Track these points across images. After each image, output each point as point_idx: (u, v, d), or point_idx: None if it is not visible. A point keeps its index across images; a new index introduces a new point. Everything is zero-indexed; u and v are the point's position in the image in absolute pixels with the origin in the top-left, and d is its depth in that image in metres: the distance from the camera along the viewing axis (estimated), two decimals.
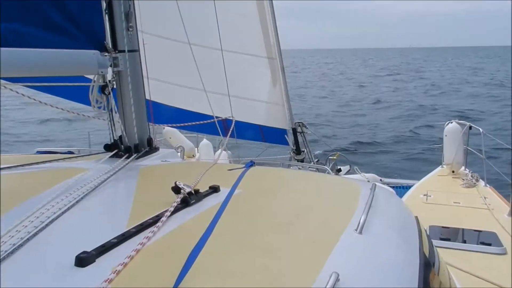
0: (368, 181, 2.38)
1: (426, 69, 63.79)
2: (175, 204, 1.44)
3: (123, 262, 1.05)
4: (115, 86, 2.41)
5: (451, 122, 6.05)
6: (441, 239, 3.68)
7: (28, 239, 1.20)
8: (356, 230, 1.37)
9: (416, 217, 1.94)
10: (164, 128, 6.37)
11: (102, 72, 2.27)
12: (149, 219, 1.33)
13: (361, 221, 1.42)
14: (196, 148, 7.34)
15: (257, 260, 1.14)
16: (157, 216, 1.36)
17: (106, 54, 2.28)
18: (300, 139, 6.50)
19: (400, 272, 1.33)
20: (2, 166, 2.01)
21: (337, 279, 1.03)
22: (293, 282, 1.05)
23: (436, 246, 1.95)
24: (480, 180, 5.56)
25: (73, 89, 3.85)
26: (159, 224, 1.29)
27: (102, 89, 2.34)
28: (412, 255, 1.48)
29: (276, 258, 1.17)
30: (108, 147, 2.44)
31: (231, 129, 3.53)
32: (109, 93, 2.35)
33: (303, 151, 6.54)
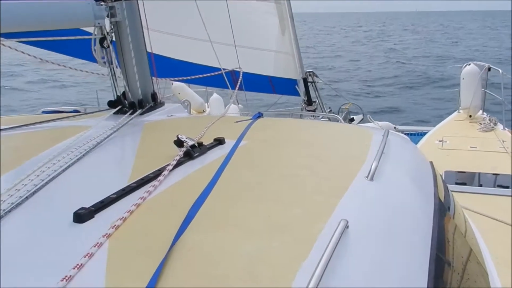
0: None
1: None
2: (178, 157, 1.39)
3: (123, 217, 1.02)
4: (114, 39, 2.31)
5: (469, 64, 5.80)
6: (457, 183, 3.62)
7: (27, 198, 1.17)
8: (367, 177, 1.31)
9: (431, 162, 1.87)
10: (172, 83, 6.26)
11: (99, 23, 2.17)
12: (151, 174, 1.29)
13: (372, 167, 1.36)
14: (206, 104, 7.25)
15: (262, 210, 1.10)
16: (159, 170, 1.32)
17: (102, 3, 2.17)
18: (311, 89, 6.35)
19: (414, 217, 1.28)
20: (7, 127, 1.98)
21: (346, 226, 0.98)
22: (299, 231, 1.00)
23: (451, 191, 1.89)
24: (498, 123, 5.40)
25: (71, 44, 3.75)
26: (160, 178, 1.24)
27: (101, 42, 2.24)
28: (427, 200, 1.42)
29: (282, 208, 1.12)
30: (111, 104, 2.39)
31: (239, 81, 3.42)
32: (108, 46, 2.26)
33: (315, 102, 6.41)
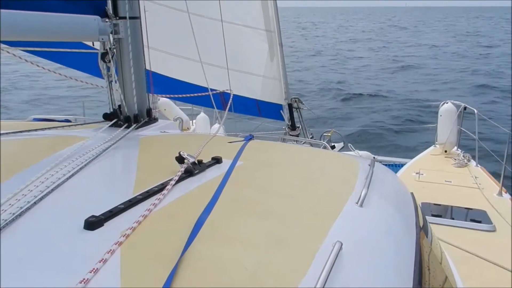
0: None
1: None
2: (180, 173, 1.45)
3: (132, 227, 1.07)
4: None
5: (447, 103, 6.08)
6: (433, 215, 3.76)
7: (35, 203, 1.21)
8: (357, 203, 1.40)
9: (412, 193, 1.98)
10: (159, 99, 6.31)
11: (102, 39, 2.24)
12: (155, 187, 1.35)
13: (362, 195, 1.45)
14: (191, 121, 7.31)
15: (263, 228, 1.17)
16: (162, 184, 1.37)
17: (107, 20, 2.24)
18: (295, 115, 6.49)
19: (400, 243, 1.37)
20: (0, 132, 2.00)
21: (341, 248, 1.06)
22: (297, 249, 1.08)
23: (428, 222, 2.00)
24: (472, 160, 5.65)
25: (72, 56, 3.79)
26: (164, 192, 1.30)
27: (102, 57, 2.31)
28: (410, 228, 1.52)
29: (281, 226, 1.19)
30: (107, 116, 2.43)
31: (229, 103, 3.51)
32: (110, 61, 2.33)
33: (298, 127, 6.55)
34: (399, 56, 31.07)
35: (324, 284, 0.91)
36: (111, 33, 2.28)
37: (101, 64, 2.31)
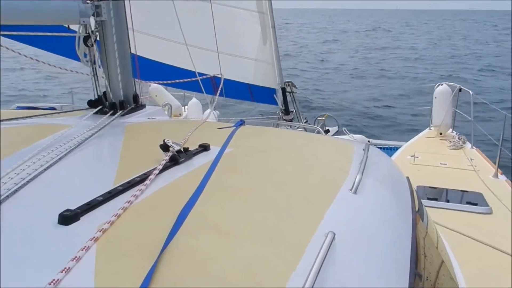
0: None
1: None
2: (164, 162, 1.38)
3: (110, 221, 1.00)
4: (98, 38, 2.28)
5: (441, 84, 6.00)
6: (428, 198, 3.72)
7: (7, 196, 1.13)
8: (351, 189, 1.34)
9: (408, 178, 1.93)
10: (150, 85, 6.19)
11: (84, 21, 2.13)
12: (137, 177, 1.27)
13: (356, 181, 1.39)
14: (183, 107, 7.21)
15: (253, 217, 1.10)
16: (145, 174, 1.30)
17: (88, 1, 2.13)
18: (289, 99, 6.41)
19: (395, 229, 1.31)
20: None
21: (334, 238, 1.00)
22: (289, 240, 1.02)
23: (423, 206, 1.95)
24: (467, 142, 5.61)
25: (54, 41, 3.65)
26: (147, 182, 1.23)
27: (85, 40, 2.21)
28: (406, 213, 1.47)
29: (272, 215, 1.13)
30: (92, 103, 2.34)
31: (219, 88, 3.42)
32: (92, 45, 2.22)
33: (292, 111, 6.47)
34: (376, 61, 29.63)
35: (316, 276, 0.85)
36: (93, 15, 2.17)
37: (82, 49, 2.21)
